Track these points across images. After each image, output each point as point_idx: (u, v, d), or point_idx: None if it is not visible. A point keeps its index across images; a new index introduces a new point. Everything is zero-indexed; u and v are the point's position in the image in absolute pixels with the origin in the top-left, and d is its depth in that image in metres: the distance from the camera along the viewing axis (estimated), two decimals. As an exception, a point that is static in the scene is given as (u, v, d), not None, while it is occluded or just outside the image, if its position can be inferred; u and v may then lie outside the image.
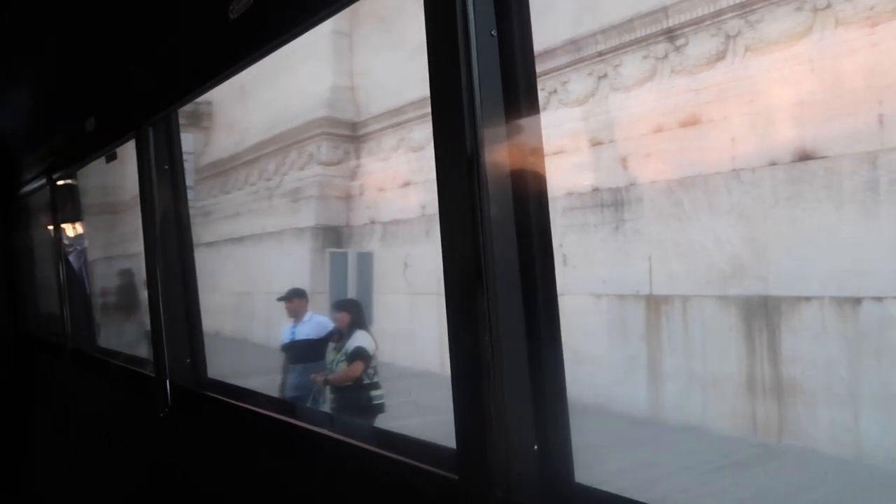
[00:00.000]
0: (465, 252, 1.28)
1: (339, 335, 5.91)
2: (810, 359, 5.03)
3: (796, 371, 5.03)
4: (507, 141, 1.29)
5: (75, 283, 4.37)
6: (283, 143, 10.98)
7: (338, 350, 5.82)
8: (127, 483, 3.14)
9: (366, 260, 9.32)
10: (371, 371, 5.69)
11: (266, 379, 5.93)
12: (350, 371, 5.61)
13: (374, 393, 5.65)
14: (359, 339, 5.78)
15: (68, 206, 4.30)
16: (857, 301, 4.77)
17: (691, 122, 5.94)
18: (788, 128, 5.29)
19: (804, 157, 5.15)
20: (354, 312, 6.09)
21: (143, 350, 3.10)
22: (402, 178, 9.24)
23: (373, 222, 9.61)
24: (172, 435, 2.62)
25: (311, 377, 5.70)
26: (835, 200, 4.97)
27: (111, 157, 3.18)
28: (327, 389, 5.83)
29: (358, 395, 5.63)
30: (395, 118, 9.44)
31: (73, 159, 3.56)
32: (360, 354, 5.65)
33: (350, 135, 10.32)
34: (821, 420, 4.86)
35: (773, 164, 5.33)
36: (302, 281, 8.84)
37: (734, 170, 5.56)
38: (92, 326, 4.91)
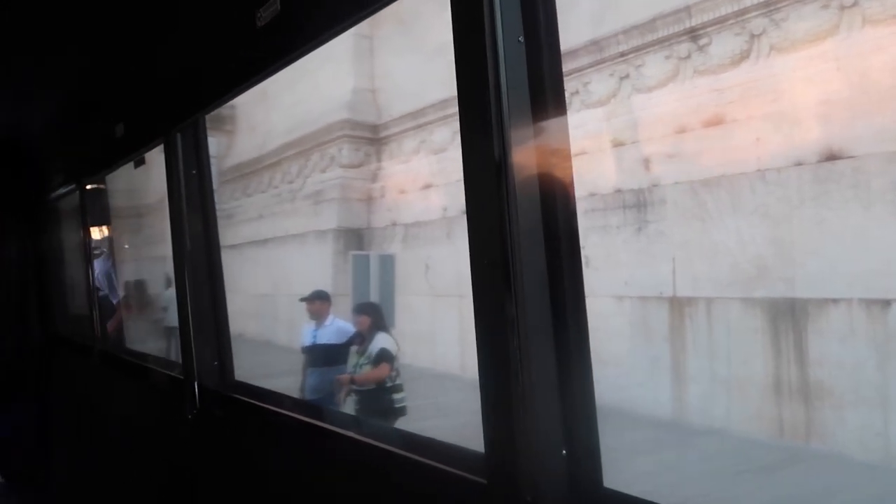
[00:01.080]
0: (493, 256, 1.29)
1: (360, 339, 5.92)
2: (838, 361, 4.96)
3: (824, 373, 4.96)
4: (534, 146, 1.30)
5: (104, 286, 4.44)
6: (305, 146, 11.06)
7: (361, 353, 5.82)
8: (154, 483, 3.18)
9: (388, 262, 9.35)
10: (394, 374, 5.70)
11: (289, 381, 5.97)
12: (377, 372, 5.62)
13: (396, 396, 5.65)
14: (382, 341, 5.79)
15: (97, 209, 4.38)
16: (886, 303, 4.69)
17: (715, 122, 5.89)
18: (815, 127, 5.22)
19: (831, 156, 5.08)
20: (375, 315, 6.11)
21: (171, 352, 3.15)
22: (423, 181, 9.26)
23: (394, 224, 9.64)
24: (200, 436, 2.65)
25: (336, 378, 5.71)
26: (863, 200, 4.90)
27: (139, 163, 3.24)
28: (349, 392, 5.85)
29: (380, 398, 5.64)
30: (416, 120, 9.47)
31: (103, 164, 3.62)
32: (385, 356, 5.66)
33: (371, 137, 10.37)
34: (849, 423, 4.79)
35: (799, 164, 5.26)
36: (324, 283, 8.89)
37: (759, 170, 5.50)
38: (120, 328, 4.98)
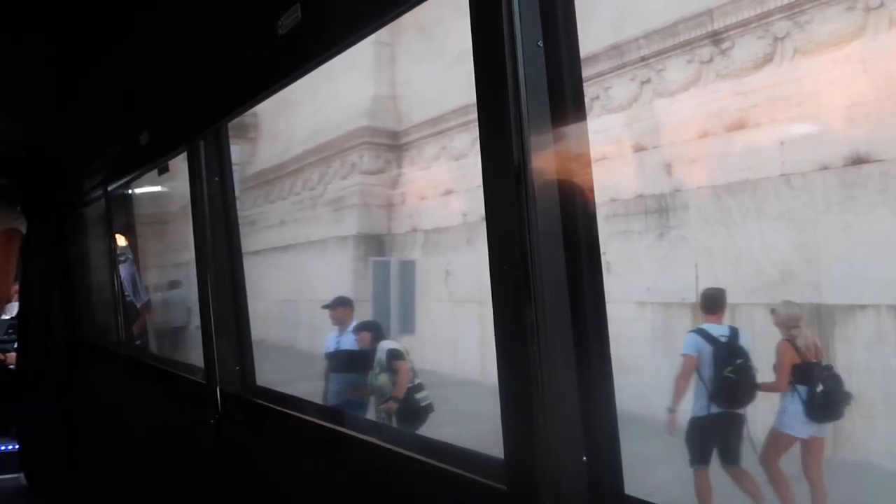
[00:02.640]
0: (512, 263, 1.28)
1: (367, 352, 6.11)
2: (867, 369, 4.87)
3: (852, 381, 4.87)
4: (553, 151, 1.29)
5: (129, 290, 4.50)
6: (326, 153, 11.14)
7: (372, 365, 5.96)
8: (176, 487, 3.21)
9: (408, 268, 9.37)
10: (411, 372, 5.79)
11: (311, 386, 6.01)
12: (401, 377, 5.71)
13: (419, 395, 5.71)
14: (385, 345, 6.02)
15: (123, 216, 4.44)
16: (915, 309, 4.60)
17: (738, 126, 5.82)
18: (840, 131, 5.15)
19: (857, 160, 5.00)
20: (374, 330, 6.38)
21: (194, 357, 3.18)
22: (443, 187, 9.27)
23: (414, 230, 9.66)
24: (222, 440, 2.67)
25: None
26: (890, 205, 4.81)
27: (163, 170, 3.28)
28: (371, 399, 5.92)
29: (406, 400, 5.69)
30: (436, 127, 9.49)
31: (128, 172, 3.67)
32: (395, 355, 5.80)
33: (391, 144, 10.41)
34: (879, 432, 4.69)
35: (824, 168, 5.19)
36: (345, 289, 8.93)
37: (783, 174, 5.43)
38: (145, 334, 5.05)
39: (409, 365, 5.82)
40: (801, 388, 4.24)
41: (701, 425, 4.56)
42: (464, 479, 1.48)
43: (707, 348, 4.60)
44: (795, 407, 4.25)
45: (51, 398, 4.78)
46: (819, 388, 4.22)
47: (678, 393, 4.70)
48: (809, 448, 4.26)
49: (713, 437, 4.55)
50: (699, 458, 4.57)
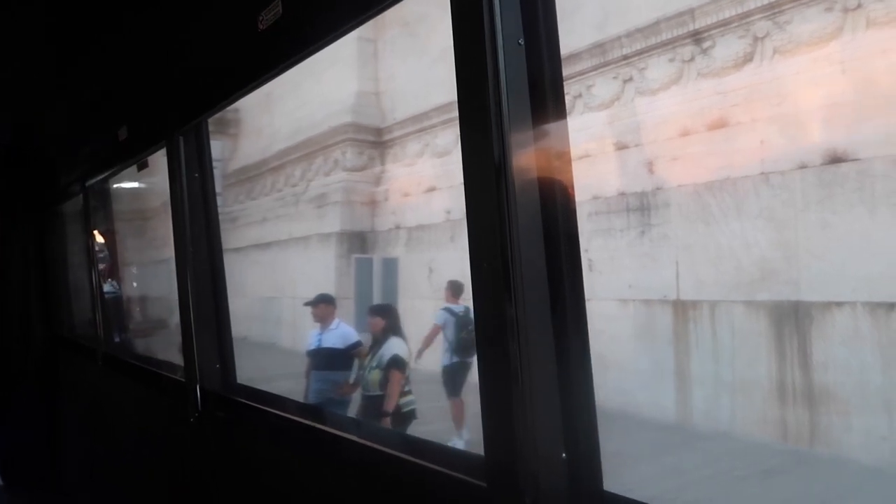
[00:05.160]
0: (492, 259, 1.28)
1: (372, 340, 5.89)
2: (843, 365, 4.94)
3: (828, 377, 4.94)
4: (534, 148, 1.30)
5: (107, 289, 4.45)
6: (308, 149, 11.09)
7: (372, 355, 5.74)
8: (156, 486, 3.19)
9: (391, 265, 9.35)
10: (404, 381, 5.65)
11: (292, 384, 5.96)
12: (392, 388, 5.53)
13: (404, 400, 5.63)
14: (395, 346, 5.70)
15: (101, 212, 4.39)
16: (891, 307, 4.68)
17: (719, 125, 5.88)
18: (819, 130, 5.21)
19: (835, 159, 5.07)
20: (390, 318, 6.01)
21: (173, 355, 3.15)
22: (426, 184, 9.27)
23: (397, 227, 9.65)
24: (202, 439, 2.66)
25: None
26: (867, 204, 4.88)
27: (143, 166, 3.25)
28: (359, 396, 5.82)
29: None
30: (420, 124, 9.48)
31: (107, 167, 3.63)
32: (396, 363, 5.55)
33: (375, 140, 10.38)
34: (854, 428, 4.76)
35: (803, 166, 5.25)
36: (328, 286, 8.90)
37: (763, 173, 5.49)
38: (124, 332, 5.00)
39: (404, 377, 5.66)
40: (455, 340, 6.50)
41: (447, 370, 6.54)
42: (445, 476, 1.48)
43: (451, 319, 6.60)
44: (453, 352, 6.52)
45: (30, 397, 4.72)
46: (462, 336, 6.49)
47: (424, 346, 6.91)
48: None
49: (455, 377, 6.46)
50: (450, 392, 6.49)
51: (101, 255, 4.37)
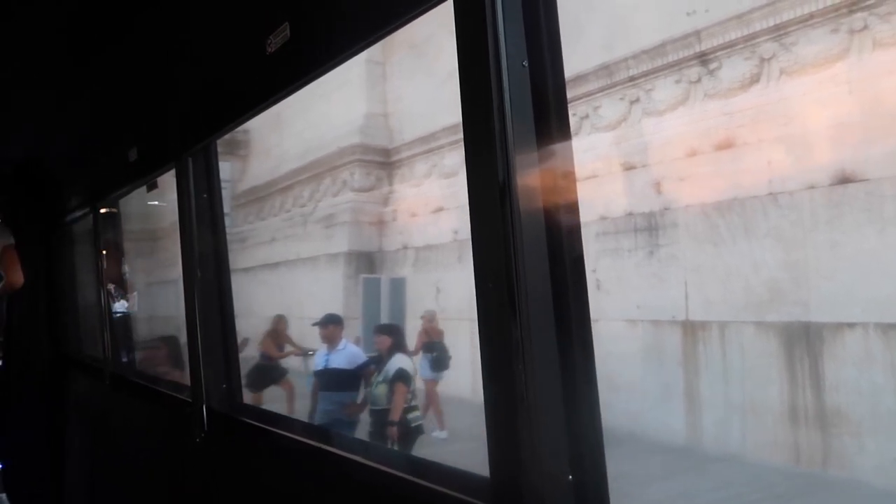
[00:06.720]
0: (497, 281, 1.28)
1: (379, 358, 6.00)
2: (855, 387, 4.88)
3: (840, 399, 4.89)
4: (539, 169, 1.30)
5: (116, 309, 4.47)
6: (317, 170, 11.16)
7: (378, 372, 5.88)
8: (163, 507, 3.17)
9: (398, 285, 9.36)
10: (409, 395, 5.73)
11: (298, 405, 5.96)
12: (397, 400, 5.64)
13: (411, 416, 5.67)
14: (399, 361, 5.90)
15: (110, 233, 4.42)
16: (902, 327, 4.63)
17: (726, 145, 5.88)
18: (827, 150, 5.21)
19: (844, 179, 5.06)
20: (396, 336, 6.27)
21: (180, 375, 3.15)
22: (434, 204, 9.30)
23: (405, 248, 9.67)
24: (208, 460, 2.65)
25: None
26: (876, 224, 4.86)
27: (152, 186, 3.27)
28: (367, 413, 5.87)
29: (398, 419, 5.66)
30: (427, 144, 9.54)
31: (116, 188, 3.66)
32: (401, 377, 5.74)
33: (383, 161, 10.44)
34: (867, 450, 4.70)
35: (811, 187, 5.24)
36: (335, 306, 8.90)
37: (771, 193, 5.48)
38: (132, 352, 5.00)
39: (409, 390, 5.77)
40: (428, 354, 7.35)
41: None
42: (452, 499, 1.47)
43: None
44: (426, 363, 7.27)
45: (37, 415, 4.72)
46: (434, 354, 7.33)
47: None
48: (432, 386, 7.32)
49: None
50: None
51: (109, 276, 4.39)
